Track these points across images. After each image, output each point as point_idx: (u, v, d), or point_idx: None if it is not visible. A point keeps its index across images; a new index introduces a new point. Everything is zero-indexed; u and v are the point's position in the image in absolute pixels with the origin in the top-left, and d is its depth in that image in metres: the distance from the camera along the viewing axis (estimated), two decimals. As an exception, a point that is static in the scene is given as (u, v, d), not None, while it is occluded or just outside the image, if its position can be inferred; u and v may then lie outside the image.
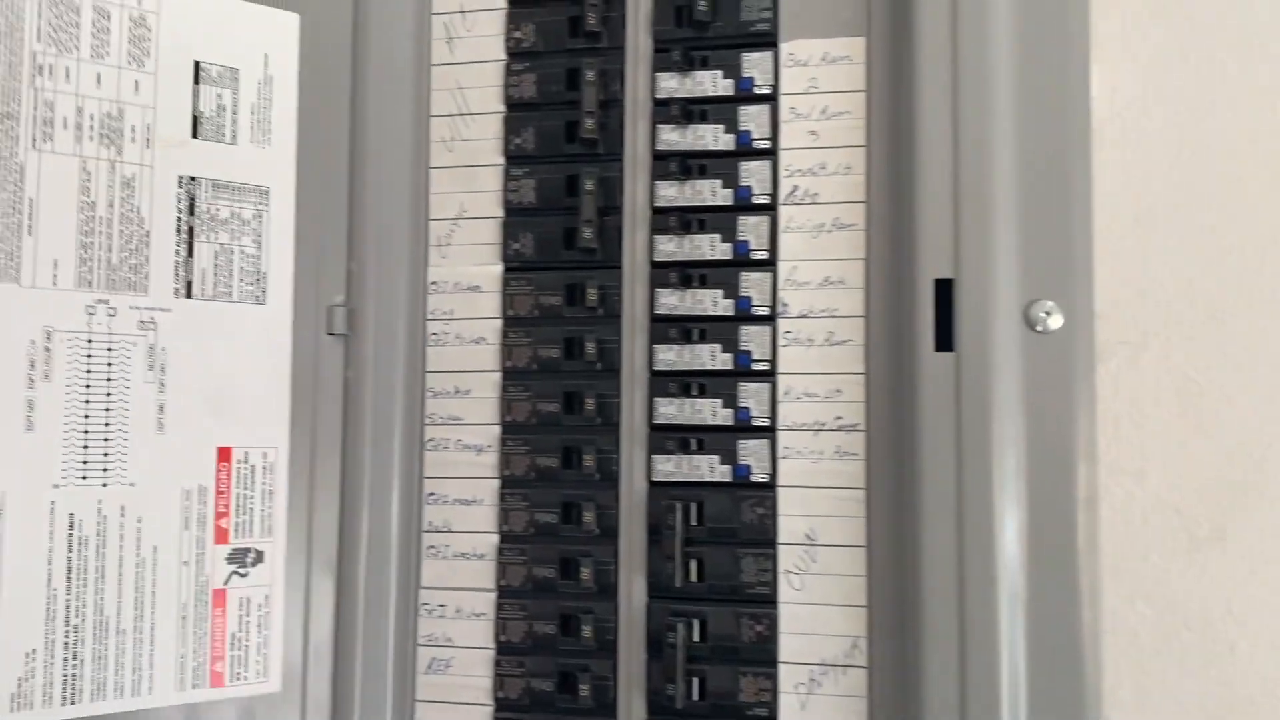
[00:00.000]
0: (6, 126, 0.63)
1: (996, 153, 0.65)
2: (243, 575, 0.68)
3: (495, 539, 0.73)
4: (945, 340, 0.65)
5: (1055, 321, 0.64)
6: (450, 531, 0.74)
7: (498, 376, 0.74)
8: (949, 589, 0.63)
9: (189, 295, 0.68)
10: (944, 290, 0.65)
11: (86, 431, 0.64)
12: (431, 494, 0.74)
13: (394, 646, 0.72)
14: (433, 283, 0.75)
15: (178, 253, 0.68)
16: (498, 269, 0.74)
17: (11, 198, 0.63)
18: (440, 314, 0.75)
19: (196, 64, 0.69)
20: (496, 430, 0.73)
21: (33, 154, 0.64)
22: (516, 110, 0.74)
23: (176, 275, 0.67)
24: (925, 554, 0.64)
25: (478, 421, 0.74)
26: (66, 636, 0.63)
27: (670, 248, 0.71)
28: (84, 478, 0.64)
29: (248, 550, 0.69)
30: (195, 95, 0.69)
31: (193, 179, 0.68)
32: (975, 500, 0.63)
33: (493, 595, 0.73)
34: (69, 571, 0.64)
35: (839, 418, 0.69)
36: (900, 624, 0.66)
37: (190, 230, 0.68)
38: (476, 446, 0.74)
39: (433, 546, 0.74)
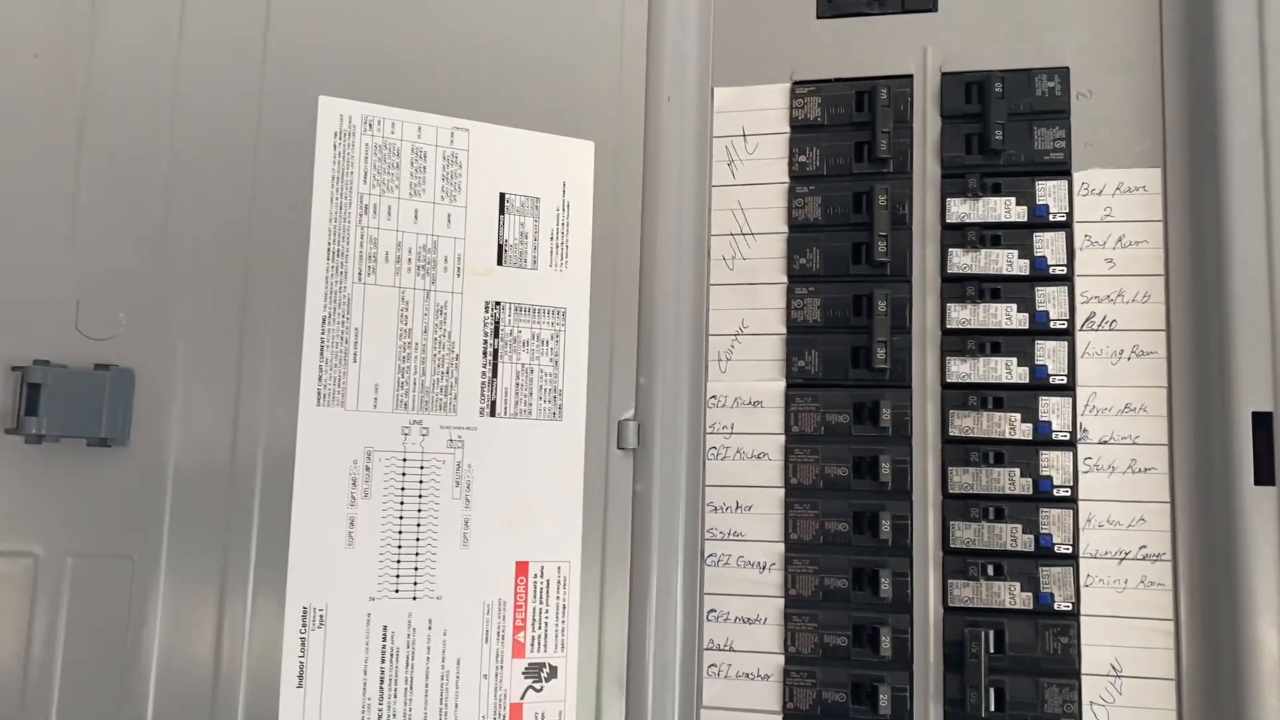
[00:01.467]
0: (337, 263, 0.66)
1: (1315, 284, 0.64)
2: (538, 690, 0.69)
3: (780, 660, 0.72)
4: (1264, 474, 0.64)
5: (1381, 456, 0.63)
6: (732, 650, 0.73)
7: (780, 493, 0.74)
8: (1275, 729, 0.62)
9: (493, 414, 0.69)
10: (1260, 423, 0.64)
11: (400, 546, 0.66)
12: (712, 610, 0.74)
13: (677, 768, 0.71)
14: (712, 397, 0.76)
15: (483, 374, 0.69)
16: (780, 385, 0.75)
17: (340, 328, 0.65)
18: (720, 428, 0.75)
19: (502, 195, 0.71)
20: (780, 548, 0.73)
21: (358, 287, 0.66)
22: (800, 231, 0.75)
23: (482, 395, 0.69)
24: (1250, 693, 0.63)
25: (760, 538, 0.74)
26: (380, 748, 0.64)
27: (964, 369, 0.71)
28: (396, 590, 0.65)
29: (543, 665, 0.69)
30: (500, 225, 0.71)
31: (498, 304, 0.70)
32: (1303, 638, 0.62)
33: (779, 718, 0.72)
34: (381, 682, 0.64)
35: (1143, 547, 0.68)
36: (1216, 762, 0.64)
37: (495, 352, 0.69)
38: (759, 564, 0.74)
39: (714, 665, 0.73)
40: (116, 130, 0.64)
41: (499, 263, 0.70)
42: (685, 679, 0.72)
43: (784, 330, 0.75)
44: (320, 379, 0.65)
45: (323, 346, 0.65)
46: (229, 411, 0.64)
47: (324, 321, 0.65)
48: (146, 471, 0.62)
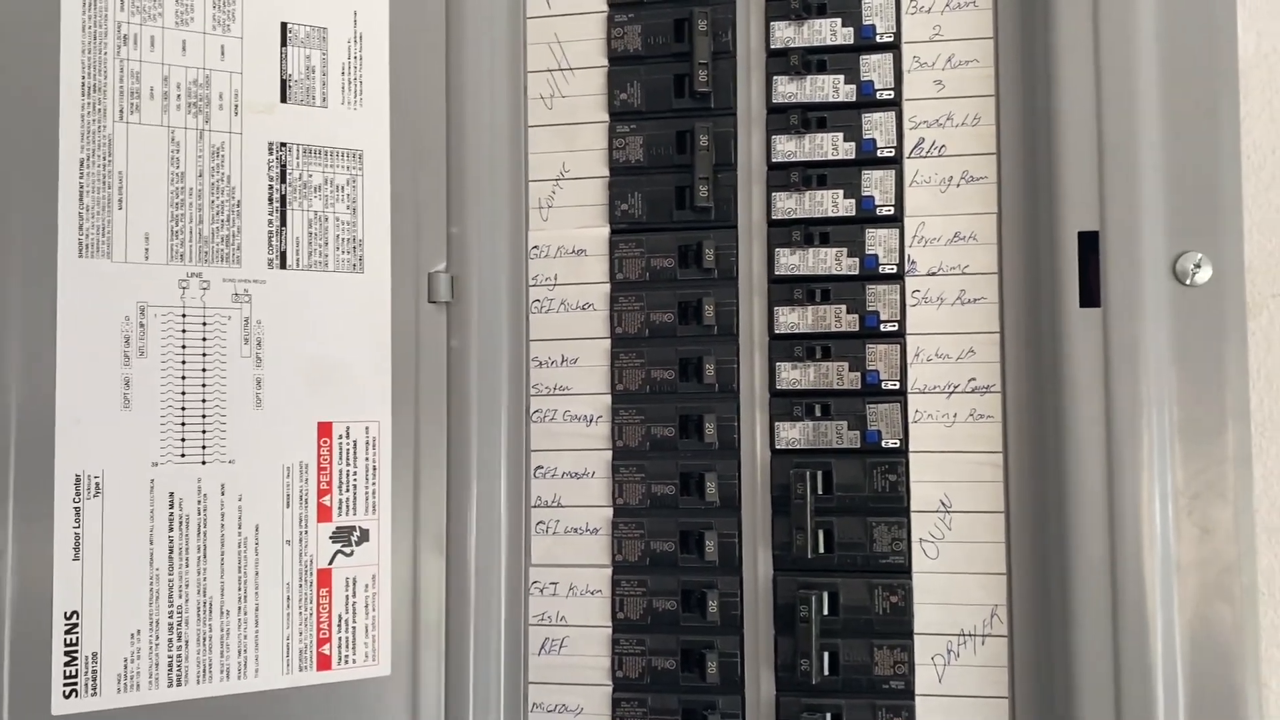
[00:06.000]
0: (94, 99, 0.60)
1: (1142, 101, 0.62)
2: (348, 554, 0.65)
3: (609, 513, 0.70)
4: (1089, 295, 0.62)
5: (1204, 274, 0.60)
6: (560, 506, 0.70)
7: (607, 344, 0.70)
8: (1098, 554, 0.61)
9: (283, 266, 0.64)
10: (1086, 244, 0.62)
11: (184, 408, 0.61)
12: (539, 468, 0.71)
13: (505, 627, 0.69)
14: (534, 247, 0.72)
15: (270, 222, 0.64)
16: (604, 231, 0.71)
17: (101, 171, 0.60)
18: (543, 280, 0.71)
19: (284, 25, 0.65)
20: (607, 400, 0.70)
21: (120, 126, 0.60)
22: (620, 64, 0.71)
23: (270, 245, 0.64)
24: (1072, 518, 0.61)
25: (587, 391, 0.71)
26: (171, 617, 0.60)
27: (790, 204, 0.68)
28: (183, 455, 0.61)
29: (352, 529, 0.66)
30: (283, 58, 0.65)
31: (283, 145, 0.65)
32: (1125, 461, 0.61)
33: (608, 571, 0.70)
34: (171, 551, 0.61)
35: (973, 379, 0.66)
36: (1042, 591, 0.63)
37: (282, 198, 0.64)
38: (586, 417, 0.70)
39: (541, 522, 0.71)
40: None
41: (283, 100, 0.65)
42: (512, 538, 0.69)
43: (607, 173, 0.71)
44: (81, 228, 0.59)
45: (81, 192, 0.59)
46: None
47: (82, 164, 0.59)
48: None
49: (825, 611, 0.66)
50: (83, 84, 0.59)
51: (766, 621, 0.67)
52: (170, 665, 0.60)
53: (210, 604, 0.61)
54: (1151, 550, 0.60)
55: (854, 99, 0.68)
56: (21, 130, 0.58)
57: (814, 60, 0.68)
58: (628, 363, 0.70)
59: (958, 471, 0.66)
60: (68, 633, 0.58)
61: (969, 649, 0.65)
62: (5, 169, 0.58)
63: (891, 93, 0.67)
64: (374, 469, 0.66)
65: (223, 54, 0.63)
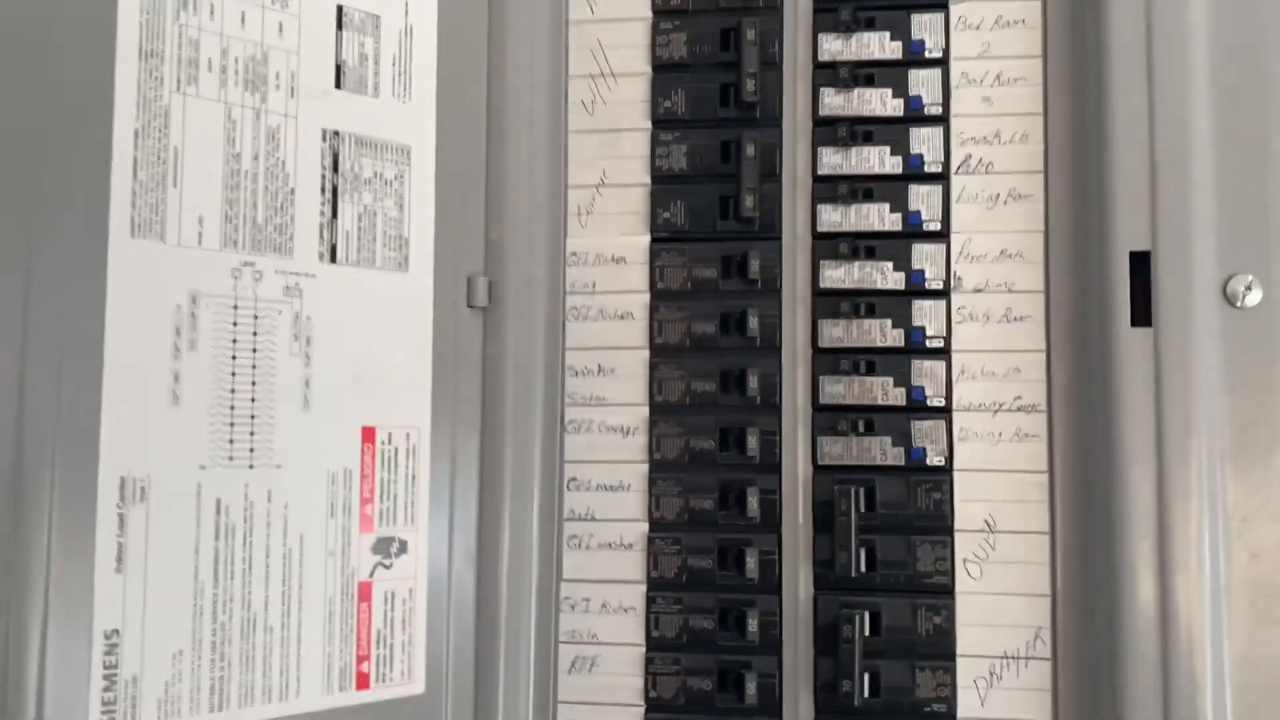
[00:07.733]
0: (151, 66, 0.56)
1: (1194, 121, 0.62)
2: (387, 567, 0.63)
3: (644, 527, 0.68)
4: (1141, 315, 0.62)
5: (1254, 297, 0.62)
6: (594, 520, 0.69)
7: (645, 354, 0.69)
8: (1146, 576, 0.61)
9: (333, 260, 0.61)
10: (1138, 263, 0.63)
11: (233, 407, 0.58)
12: (573, 479, 0.69)
13: (535, 644, 0.67)
14: (572, 254, 0.70)
15: (322, 213, 0.61)
16: (644, 239, 0.70)
17: (157, 145, 0.56)
18: (581, 288, 0.70)
19: (339, 7, 0.63)
20: (644, 411, 0.69)
21: (177, 97, 0.57)
22: (665, 71, 0.70)
23: (321, 238, 0.61)
24: (1120, 540, 0.62)
25: (624, 402, 0.69)
26: (214, 635, 0.56)
27: (835, 218, 0.68)
28: (230, 458, 0.57)
29: (392, 539, 0.63)
30: (338, 42, 0.62)
31: (336, 133, 0.62)
32: (1175, 482, 0.61)
33: (642, 588, 0.68)
34: (216, 563, 0.57)
35: (1018, 397, 0.66)
36: (1087, 614, 0.64)
37: (334, 189, 0.62)
38: (623, 428, 0.69)
39: (574, 536, 0.69)
40: None
41: (337, 85, 0.62)
42: (544, 551, 0.67)
43: (648, 180, 0.70)
44: (134, 205, 0.55)
45: (136, 166, 0.55)
46: (18, 238, 0.52)
47: (137, 135, 0.55)
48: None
49: (867, 632, 0.65)
50: (140, 47, 0.55)
51: (806, 641, 0.66)
52: (212, 688, 0.56)
53: (254, 620, 0.57)
54: (1200, 573, 0.60)
55: (901, 113, 0.68)
56: (76, 92, 0.53)
57: (862, 74, 0.68)
58: (667, 374, 0.69)
59: (1003, 491, 0.66)
60: (107, 654, 0.53)
61: (1012, 671, 0.65)
62: (58, 131, 0.53)
63: (939, 108, 0.68)
64: (413, 477, 0.64)
65: (280, 31, 0.60)
